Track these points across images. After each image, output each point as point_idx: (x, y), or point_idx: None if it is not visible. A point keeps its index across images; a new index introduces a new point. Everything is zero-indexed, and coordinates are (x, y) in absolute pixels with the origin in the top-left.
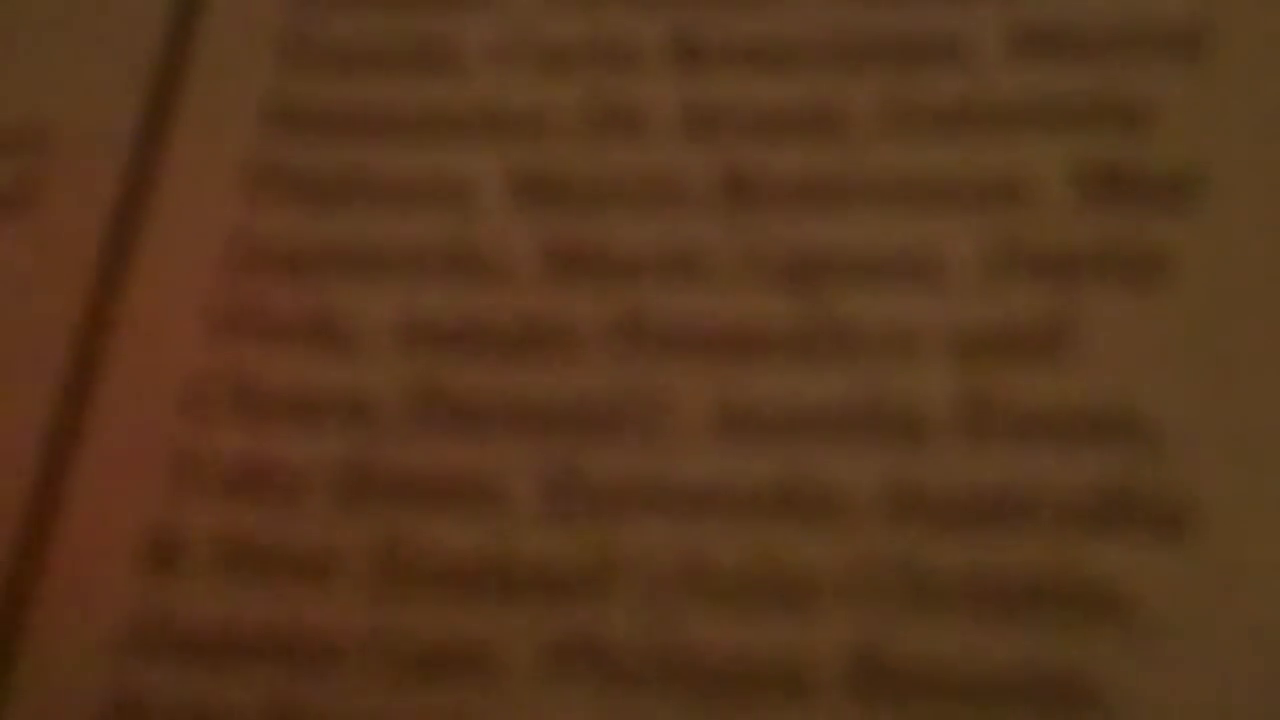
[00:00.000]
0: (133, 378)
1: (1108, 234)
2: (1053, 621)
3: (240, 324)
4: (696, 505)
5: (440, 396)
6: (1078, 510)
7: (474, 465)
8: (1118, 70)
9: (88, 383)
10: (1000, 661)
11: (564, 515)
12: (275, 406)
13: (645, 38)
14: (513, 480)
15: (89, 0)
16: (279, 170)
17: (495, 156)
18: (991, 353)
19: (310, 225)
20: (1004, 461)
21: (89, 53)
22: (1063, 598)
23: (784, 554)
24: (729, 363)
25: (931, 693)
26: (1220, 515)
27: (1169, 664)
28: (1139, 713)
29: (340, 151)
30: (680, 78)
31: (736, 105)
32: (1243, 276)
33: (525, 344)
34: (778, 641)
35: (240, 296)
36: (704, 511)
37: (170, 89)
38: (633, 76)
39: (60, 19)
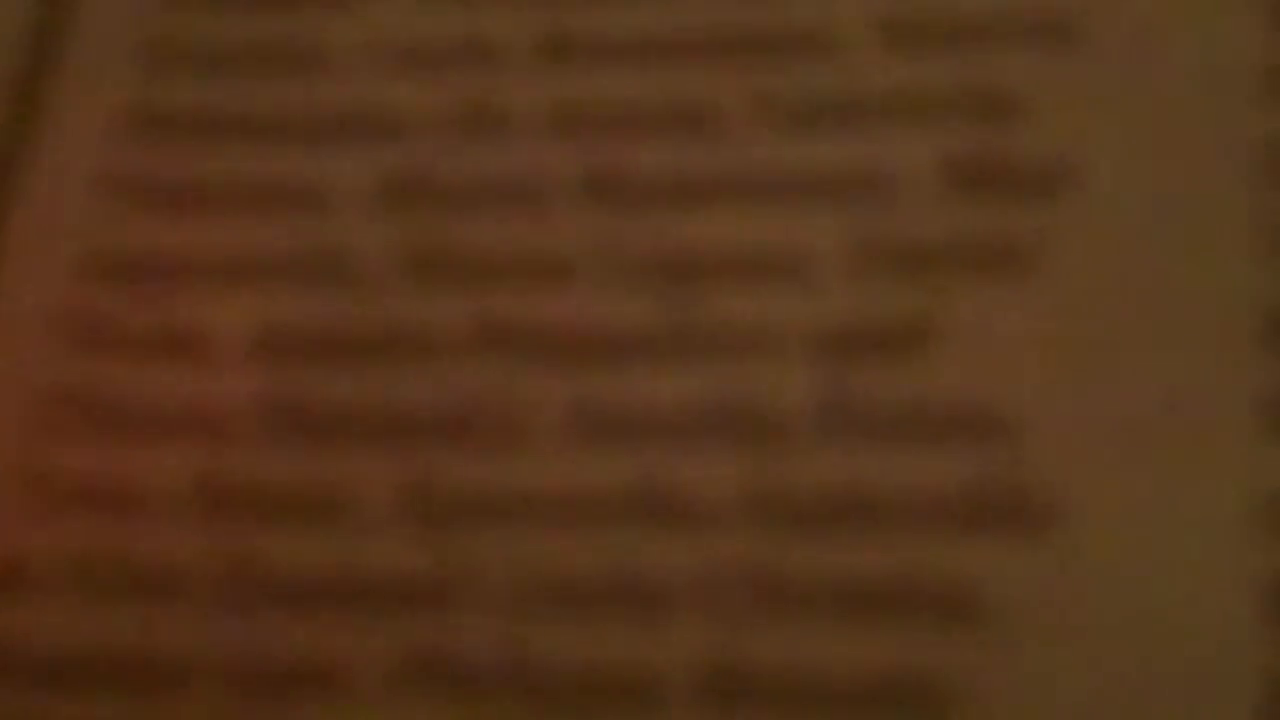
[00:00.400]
0: None
1: (974, 227)
2: (911, 626)
3: (92, 336)
4: (550, 513)
5: (294, 407)
6: (938, 511)
7: (327, 477)
8: (986, 60)
9: None
10: (857, 668)
11: (416, 526)
12: (126, 420)
13: (516, 37)
14: (365, 491)
15: None
16: (138, 178)
17: (357, 159)
18: (854, 351)
19: (167, 233)
20: (864, 462)
21: None
22: (922, 601)
23: (638, 562)
24: (588, 366)
25: (788, 701)
26: (1081, 514)
27: (1029, 667)
28: (998, 716)
29: (200, 157)
30: (548, 76)
31: (603, 103)
32: (1110, 268)
33: (381, 351)
34: (631, 652)
35: (93, 308)
36: (558, 519)
37: (32, 96)
38: (501, 76)
39: None
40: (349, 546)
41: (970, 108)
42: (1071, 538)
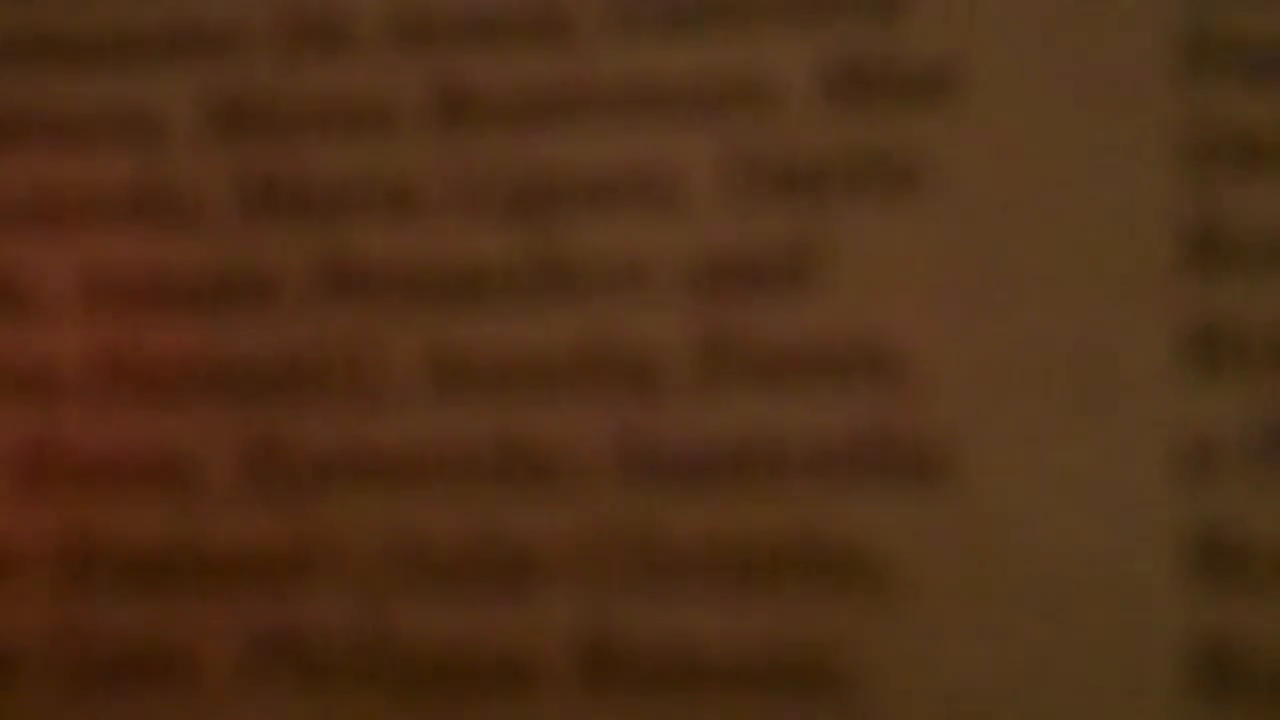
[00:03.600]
0: None
1: (858, 142)
2: (801, 590)
3: None
4: (407, 473)
5: (127, 361)
6: (826, 461)
7: (165, 439)
8: None
9: None
10: (744, 638)
11: (262, 492)
12: None
13: None
14: (207, 455)
15: None
16: None
17: (184, 83)
18: (732, 285)
19: None
20: (746, 409)
21: None
22: (811, 563)
23: (504, 526)
24: (444, 307)
25: (670, 677)
26: (984, 461)
27: (929, 632)
28: (897, 686)
29: (11, 85)
30: None
31: (449, 11)
32: (1009, 184)
33: (218, 296)
34: (499, 626)
35: None
36: (415, 480)
37: None
38: None
39: None
40: (190, 516)
41: (850, 7)
42: (973, 488)
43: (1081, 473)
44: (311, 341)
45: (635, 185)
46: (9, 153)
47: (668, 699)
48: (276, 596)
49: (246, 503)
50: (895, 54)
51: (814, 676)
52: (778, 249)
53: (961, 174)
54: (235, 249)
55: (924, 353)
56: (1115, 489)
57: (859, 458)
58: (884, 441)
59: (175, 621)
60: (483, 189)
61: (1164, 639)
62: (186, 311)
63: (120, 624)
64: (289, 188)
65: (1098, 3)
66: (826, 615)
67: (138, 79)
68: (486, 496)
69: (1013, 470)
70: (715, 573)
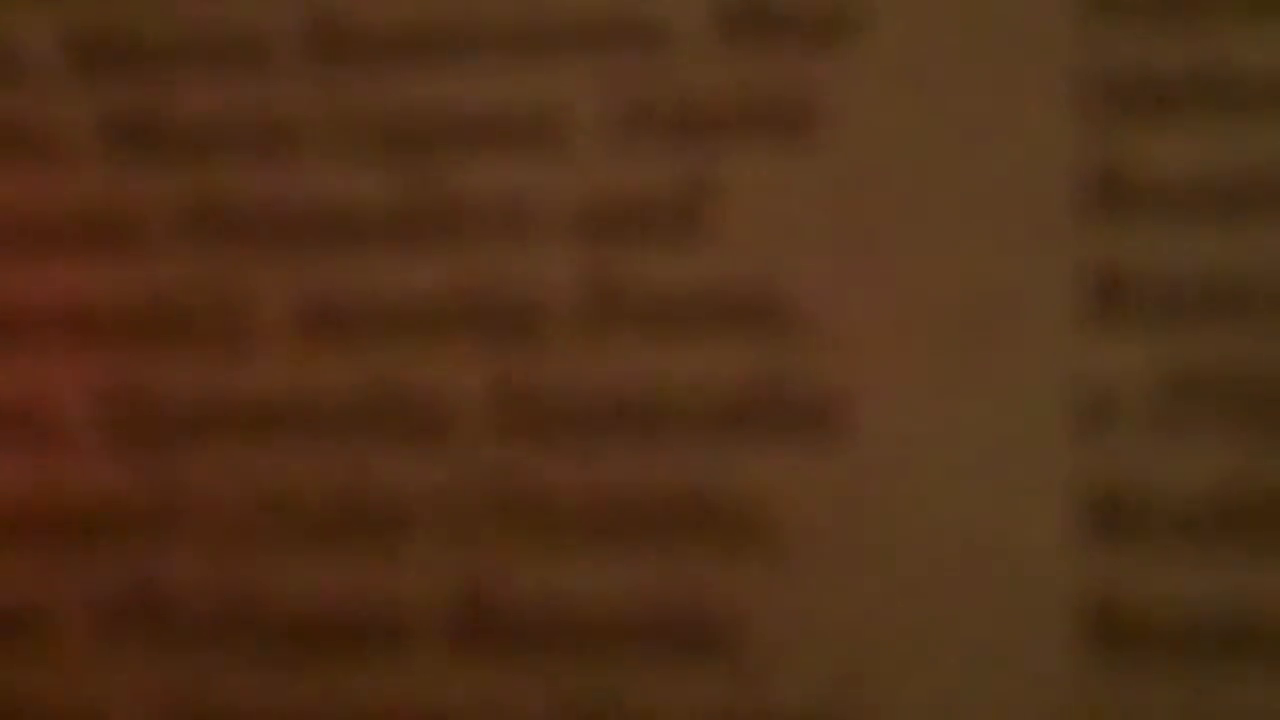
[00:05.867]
0: None
1: (751, 83)
2: (687, 547)
3: None
4: (275, 424)
5: None
6: (715, 414)
7: (19, 385)
8: None
9: None
10: (626, 597)
11: (122, 443)
12: None
13: None
14: (63, 402)
15: None
16: None
17: (44, 15)
18: (619, 229)
19: None
20: (631, 359)
21: None
22: (698, 519)
23: (376, 478)
24: (317, 251)
25: (549, 636)
26: (876, 415)
27: (818, 588)
28: (785, 646)
29: None
30: None
31: None
32: (905, 128)
33: (80, 238)
34: (367, 583)
35: None
36: (283, 431)
37: None
38: None
39: None
40: (45, 466)
41: None
42: (865, 443)
43: (977, 425)
44: (176, 285)
45: (519, 125)
46: None
47: (546, 659)
48: (136, 552)
49: (105, 453)
50: None
51: (699, 636)
52: (667, 192)
53: (858, 117)
54: (96, 188)
55: (817, 301)
56: (1011, 442)
57: (749, 410)
58: (775, 394)
59: (28, 577)
60: (358, 128)
61: (1058, 596)
62: (44, 252)
63: None
64: (153, 125)
65: None
66: (713, 573)
67: None
68: (358, 448)
69: (907, 423)
70: (597, 528)
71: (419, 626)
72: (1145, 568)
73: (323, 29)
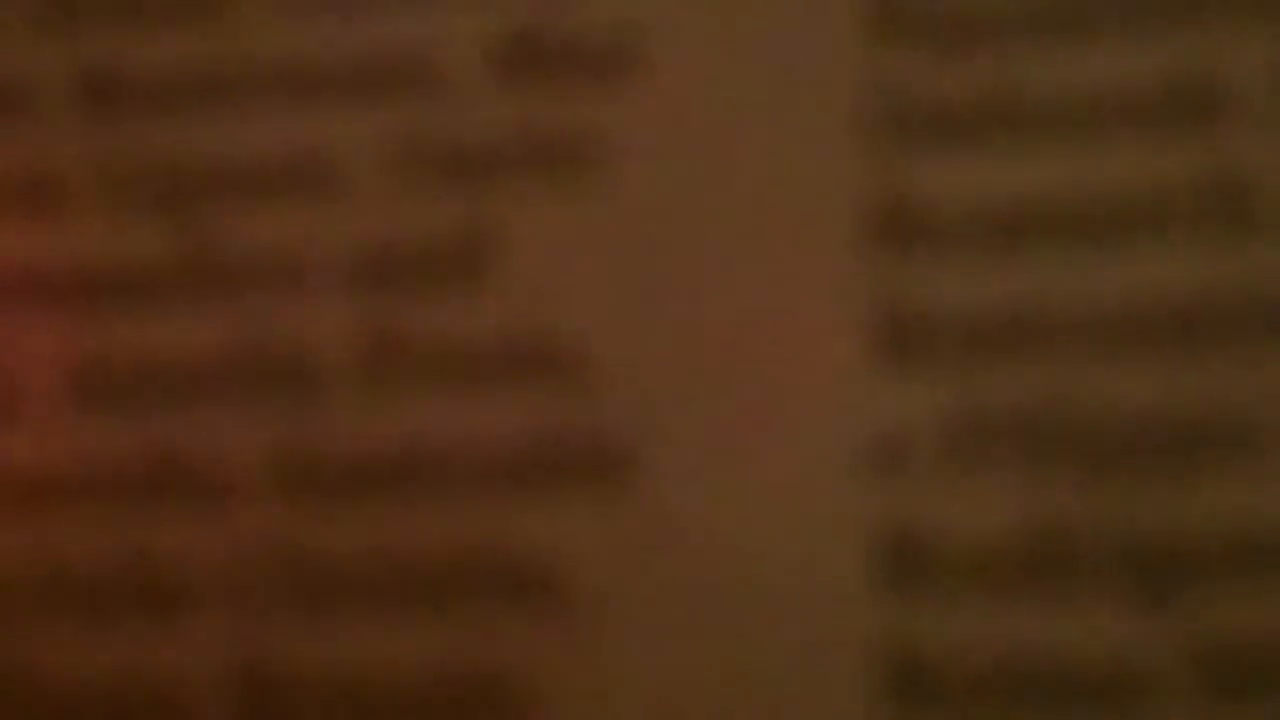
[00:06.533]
0: None
1: (529, 122)
2: (473, 611)
3: None
4: (43, 491)
5: None
6: (499, 468)
7: None
8: None
9: None
10: (413, 665)
11: None
12: None
13: None
14: None
15: None
16: None
17: None
18: (398, 279)
19: None
20: (411, 413)
21: None
22: (482, 580)
23: (150, 546)
24: (84, 309)
25: (332, 709)
26: (662, 463)
27: (608, 646)
28: (576, 709)
29: None
30: None
31: None
32: (685, 165)
33: None
34: (145, 655)
35: None
36: (53, 499)
37: None
38: None
39: None
40: None
41: None
42: (654, 491)
43: (767, 472)
44: None
45: (292, 173)
46: None
47: None
48: None
49: None
50: (567, 27)
51: (487, 703)
52: (446, 239)
53: (638, 155)
54: None
55: (600, 348)
56: (802, 488)
57: (534, 464)
58: (559, 445)
59: None
60: (127, 179)
61: (853, 644)
62: None
63: None
64: None
65: None
66: (500, 635)
67: None
68: (130, 516)
69: (695, 471)
70: (379, 593)
71: (199, 701)
72: (940, 613)
73: (92, 78)
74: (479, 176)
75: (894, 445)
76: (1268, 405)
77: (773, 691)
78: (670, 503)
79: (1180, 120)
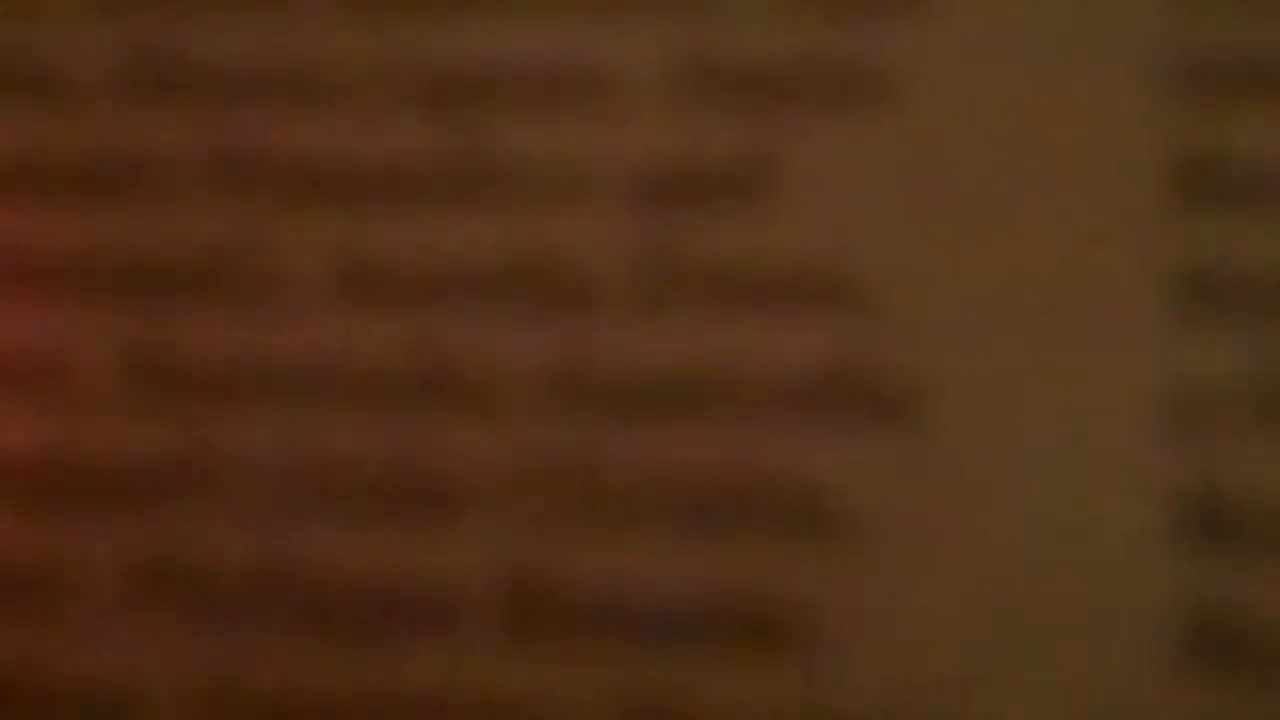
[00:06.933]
0: None
1: (820, 47)
2: (748, 534)
3: None
4: (310, 387)
5: None
6: (780, 395)
7: (38, 339)
8: None
9: None
10: (683, 585)
11: (145, 402)
12: None
13: None
14: (84, 358)
15: None
16: None
17: None
18: (678, 197)
19: None
20: (692, 335)
21: None
22: (760, 505)
23: (421, 449)
24: (355, 207)
25: (599, 623)
26: (952, 400)
27: (887, 582)
28: (851, 642)
29: None
30: None
31: None
32: (986, 100)
33: (101, 184)
34: (412, 559)
35: None
36: (322, 396)
37: None
38: None
39: None
40: (64, 425)
41: None
42: (941, 432)
43: (1060, 420)
44: (205, 237)
45: (575, 84)
46: None
47: (597, 648)
48: (160, 518)
49: (127, 413)
50: None
51: (759, 629)
52: (729, 160)
53: (932, 86)
54: (117, 133)
55: (889, 281)
56: (1096, 433)
57: (815, 392)
58: (843, 376)
59: (45, 541)
60: (400, 78)
61: (1150, 606)
62: (63, 199)
63: None
64: (177, 68)
65: None
66: (775, 562)
67: None
68: (404, 418)
69: (983, 414)
70: (651, 513)
71: (465, 608)
72: (1243, 575)
73: None
74: (766, 100)
75: (1196, 401)
76: None
77: (1062, 645)
78: (956, 444)
79: None
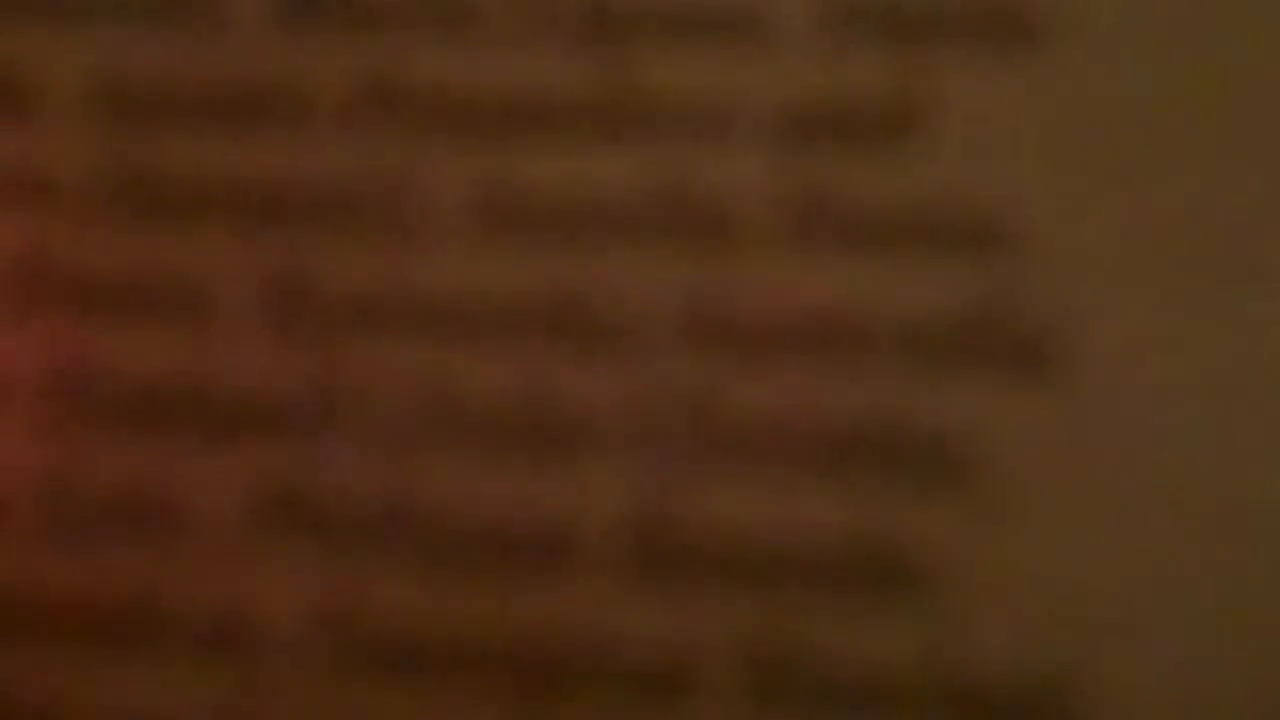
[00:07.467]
0: None
1: None
2: (880, 482)
3: None
4: (446, 321)
5: (137, 177)
6: (918, 341)
7: (174, 264)
8: None
9: None
10: (813, 531)
11: (280, 331)
12: None
13: None
14: (220, 284)
15: None
16: None
17: None
18: (824, 136)
19: None
20: (831, 276)
21: None
22: (894, 452)
23: (551, 386)
24: (498, 138)
25: (726, 565)
26: (1094, 354)
27: (1020, 534)
28: (980, 595)
29: None
30: None
31: None
32: (1144, 40)
33: (244, 112)
34: (538, 495)
35: None
36: (455, 330)
37: None
38: None
39: None
40: (198, 352)
41: None
42: (1086, 384)
43: (1209, 374)
44: (346, 168)
45: (726, 19)
46: None
47: (722, 590)
48: (290, 448)
49: (262, 341)
50: None
51: (887, 576)
52: (877, 99)
53: (1085, 26)
54: (263, 60)
55: (1038, 225)
56: (1248, 396)
57: (957, 339)
58: (986, 323)
59: (174, 468)
60: (549, 9)
61: None
62: (205, 125)
63: (114, 466)
64: None
65: None
66: (907, 511)
67: None
68: (534, 353)
69: (1129, 365)
70: (785, 455)
71: (589, 547)
72: None
73: None
74: (916, 39)
75: None
76: None
77: (1213, 608)
78: (1102, 397)
79: None
